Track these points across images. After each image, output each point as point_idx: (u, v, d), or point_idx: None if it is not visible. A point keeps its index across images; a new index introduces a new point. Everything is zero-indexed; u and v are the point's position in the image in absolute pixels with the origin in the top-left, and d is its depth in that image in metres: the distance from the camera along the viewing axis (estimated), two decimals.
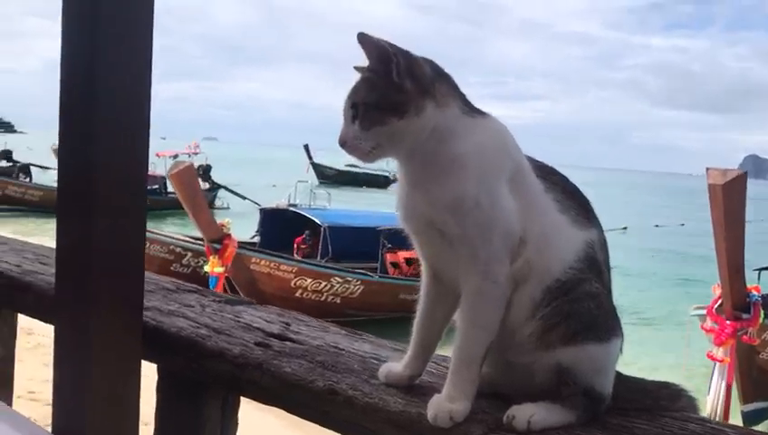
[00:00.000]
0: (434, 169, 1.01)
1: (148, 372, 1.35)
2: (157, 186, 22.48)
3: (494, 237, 1.00)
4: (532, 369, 1.03)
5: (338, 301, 12.62)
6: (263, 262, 12.28)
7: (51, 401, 1.29)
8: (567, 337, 1.00)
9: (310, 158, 36.04)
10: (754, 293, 6.59)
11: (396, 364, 1.14)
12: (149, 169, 1.43)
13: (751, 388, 7.55)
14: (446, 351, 1.14)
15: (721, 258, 6.16)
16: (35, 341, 6.87)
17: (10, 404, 1.80)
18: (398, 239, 13.25)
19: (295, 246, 14.77)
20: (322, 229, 14.19)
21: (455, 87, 1.06)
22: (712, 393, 6.55)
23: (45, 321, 1.61)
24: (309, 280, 12.47)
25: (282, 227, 15.03)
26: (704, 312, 7.13)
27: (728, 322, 6.48)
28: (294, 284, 12.38)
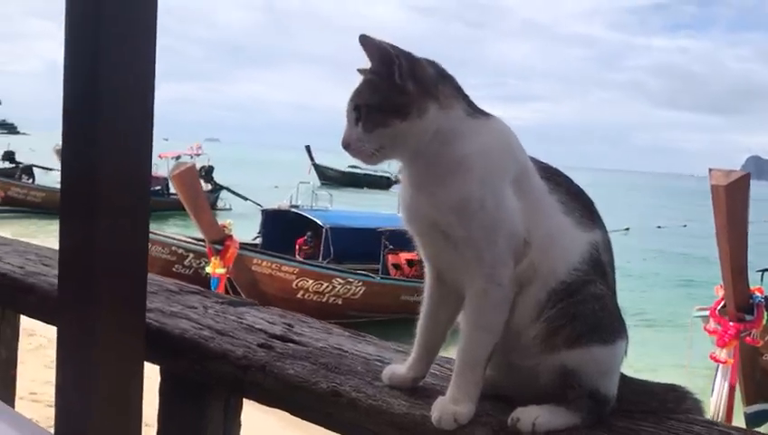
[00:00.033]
0: (438, 170, 1.01)
1: (151, 374, 1.34)
2: (159, 187, 22.51)
3: (498, 239, 1.00)
4: (537, 371, 1.02)
5: (339, 302, 12.62)
6: (264, 263, 12.29)
7: (52, 403, 1.28)
8: (572, 339, 1.00)
9: (312, 159, 36.06)
10: (757, 294, 6.58)
11: (399, 366, 1.14)
12: (152, 170, 1.43)
13: (754, 389, 7.53)
14: (449, 353, 1.14)
15: (724, 259, 6.15)
16: (37, 342, 6.88)
17: (12, 406, 1.80)
18: (399, 241, 13.33)
19: (297, 247, 14.78)
20: (324, 230, 14.20)
21: (458, 88, 1.05)
22: (715, 395, 6.54)
23: (48, 322, 1.60)
24: (310, 281, 12.48)
25: (283, 229, 15.04)
26: (706, 313, 7.12)
27: (731, 323, 6.47)
28: (296, 285, 12.39)
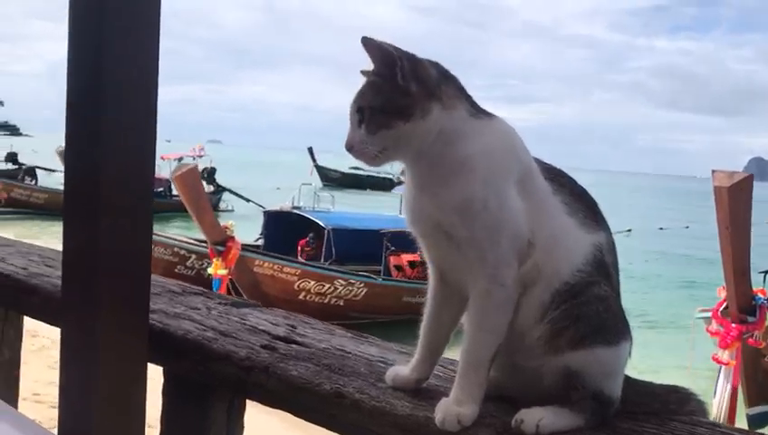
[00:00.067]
0: (441, 171, 1.01)
1: (154, 375, 1.34)
2: (161, 188, 22.53)
3: (502, 240, 1.00)
4: (541, 372, 1.02)
5: (341, 303, 12.62)
6: (266, 264, 12.29)
7: (55, 404, 1.29)
8: (576, 341, 1.00)
9: (314, 160, 36.08)
10: (760, 296, 6.56)
11: (403, 368, 1.14)
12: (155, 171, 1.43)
13: (756, 391, 7.52)
14: (453, 354, 1.13)
15: (726, 261, 6.14)
16: (40, 343, 6.89)
17: (16, 407, 1.80)
18: (401, 242, 13.32)
19: (299, 248, 14.78)
20: (326, 232, 14.20)
21: (461, 89, 1.05)
22: (717, 396, 6.52)
23: (51, 323, 1.61)
24: (312, 282, 12.48)
25: (286, 230, 15.05)
26: (709, 314, 7.10)
27: (733, 325, 6.46)
28: (298, 286, 12.38)
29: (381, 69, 1.02)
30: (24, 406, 2.02)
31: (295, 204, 16.55)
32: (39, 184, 25.30)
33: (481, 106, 1.06)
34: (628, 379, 1.08)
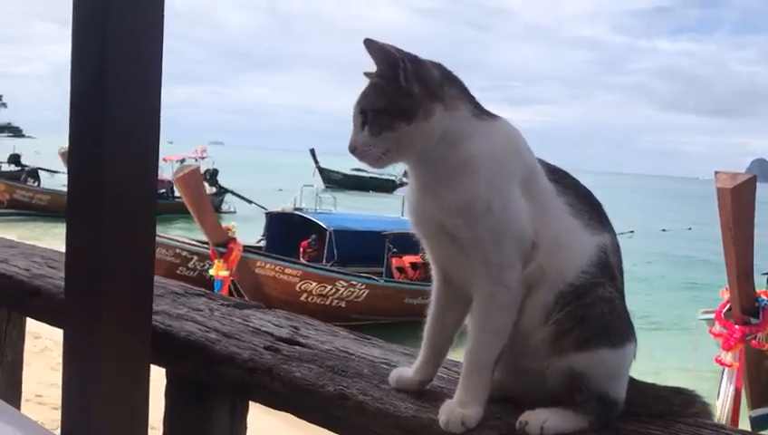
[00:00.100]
0: (444, 172, 1.01)
1: (157, 377, 1.34)
2: (164, 190, 22.56)
3: (505, 242, 0.99)
4: (545, 374, 1.02)
5: (343, 305, 12.61)
6: (268, 265, 12.29)
7: (57, 405, 1.28)
8: (580, 342, 0.99)
9: (316, 162, 36.12)
10: (763, 297, 6.55)
11: (406, 369, 1.13)
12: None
13: (759, 393, 7.49)
14: (457, 355, 1.13)
15: (729, 262, 6.13)
16: (42, 345, 6.90)
17: (18, 408, 1.80)
18: (403, 244, 13.31)
19: (301, 249, 14.78)
20: (328, 233, 14.20)
21: (464, 90, 1.05)
22: (721, 398, 6.51)
23: (54, 325, 1.60)
24: (314, 284, 12.47)
25: (288, 231, 15.05)
26: (712, 316, 7.09)
27: (737, 326, 6.44)
28: (299, 287, 12.38)
29: (384, 70, 1.01)
30: (26, 407, 2.02)
31: (297, 205, 16.55)
32: (42, 186, 25.34)
33: (484, 107, 1.06)
34: (632, 380, 1.08)
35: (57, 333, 1.36)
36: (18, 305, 1.79)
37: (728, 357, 6.58)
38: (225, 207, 25.97)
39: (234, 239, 10.02)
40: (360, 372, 1.18)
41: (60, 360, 1.28)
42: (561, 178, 1.07)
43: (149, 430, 1.30)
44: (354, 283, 12.69)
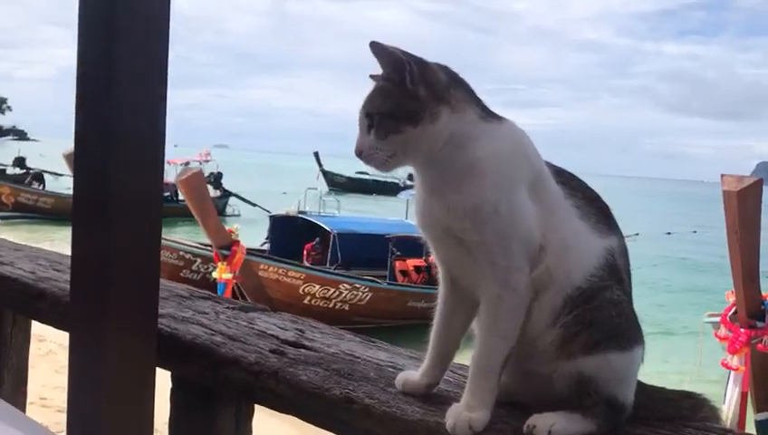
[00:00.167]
0: (451, 175, 1.00)
1: (162, 380, 1.34)
2: (168, 193, 22.60)
3: (513, 245, 0.99)
4: (553, 378, 1.01)
5: (346, 308, 12.60)
6: (271, 268, 12.29)
7: (62, 408, 1.28)
8: (588, 346, 0.99)
9: (320, 165, 36.17)
10: None
11: (413, 372, 1.13)
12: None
13: (765, 396, 7.45)
14: (463, 359, 1.13)
15: (735, 265, 6.10)
16: (47, 348, 6.91)
17: (24, 411, 1.80)
18: (407, 247, 13.29)
19: (305, 252, 14.78)
20: (331, 236, 14.20)
21: (470, 92, 1.05)
22: (727, 402, 6.48)
23: (59, 328, 1.60)
24: (317, 287, 12.47)
25: (291, 234, 15.06)
26: (717, 319, 7.06)
27: (742, 330, 6.41)
28: (303, 290, 12.38)
29: (390, 73, 1.01)
30: (31, 410, 2.02)
31: (301, 208, 16.56)
32: (46, 189, 25.41)
33: (491, 109, 1.05)
34: (640, 384, 1.07)
35: (62, 336, 1.36)
36: (23, 308, 1.79)
37: (734, 360, 6.55)
38: (229, 210, 26.01)
39: (237, 242, 10.02)
40: (366, 375, 1.18)
41: (65, 363, 1.28)
42: (568, 181, 1.06)
43: (155, 433, 1.30)
44: (357, 286, 12.68)
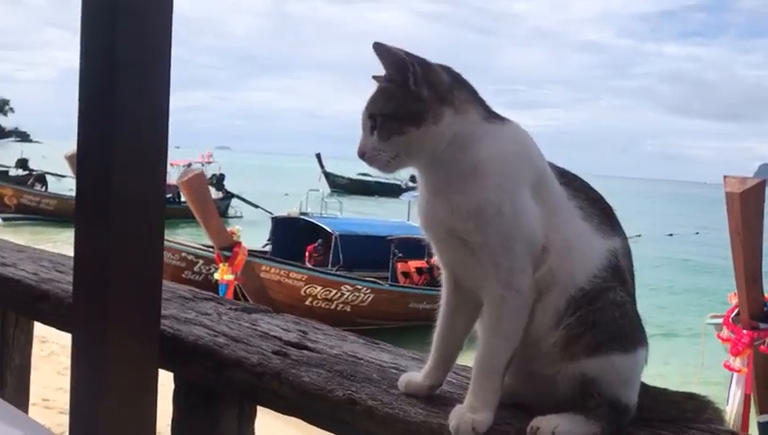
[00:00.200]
0: (455, 176, 1.00)
1: (164, 381, 1.34)
2: (170, 195, 22.63)
3: (516, 246, 0.99)
4: (556, 379, 1.01)
5: (348, 309, 12.60)
6: (273, 270, 12.29)
7: (64, 409, 1.28)
8: (592, 347, 0.98)
9: (322, 167, 36.20)
10: None
11: (416, 374, 1.13)
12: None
13: (767, 398, 7.43)
14: (466, 360, 1.12)
15: (738, 267, 6.09)
16: (49, 349, 6.91)
17: (26, 412, 1.80)
18: (408, 248, 13.27)
19: (307, 254, 14.79)
20: (333, 237, 14.21)
21: (474, 93, 1.05)
22: (730, 403, 6.46)
23: (62, 329, 1.61)
24: (319, 288, 12.47)
25: (293, 236, 15.07)
26: (719, 321, 7.04)
27: (745, 331, 6.40)
28: (304, 292, 12.38)
29: (393, 74, 1.01)
30: (33, 411, 2.02)
31: (303, 210, 16.57)
32: (49, 190, 25.44)
33: (494, 110, 1.05)
34: (644, 386, 1.07)
35: (64, 338, 1.36)
36: (26, 309, 1.79)
37: (736, 362, 6.54)
38: (231, 211, 26.04)
39: (239, 243, 10.02)
40: (368, 376, 1.17)
41: (67, 364, 1.28)
42: (571, 182, 1.06)
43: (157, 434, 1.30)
44: (359, 287, 12.68)
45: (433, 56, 1.03)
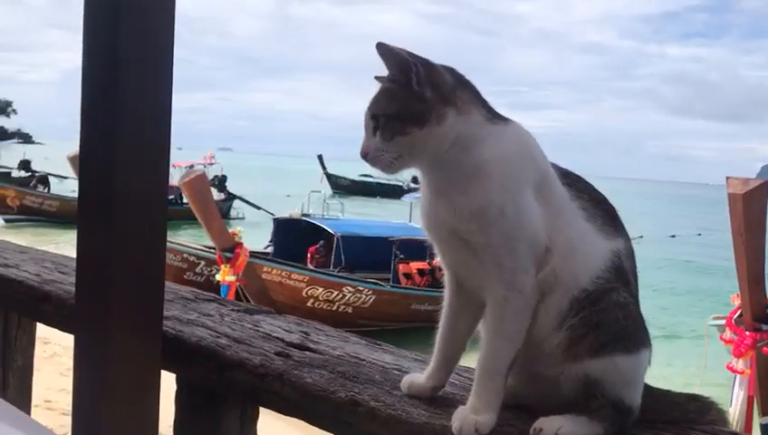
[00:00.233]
0: (457, 177, 1.00)
1: (167, 383, 1.34)
2: (172, 196, 22.64)
3: (519, 246, 0.98)
4: (559, 380, 1.00)
5: (349, 310, 12.60)
6: (274, 271, 12.30)
7: (67, 411, 1.28)
8: (595, 348, 0.98)
9: (324, 168, 36.23)
10: None
11: (418, 375, 1.12)
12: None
13: None
14: (469, 361, 1.12)
15: (740, 268, 6.08)
16: (52, 350, 6.92)
17: (29, 413, 1.80)
18: (410, 250, 13.26)
19: (309, 255, 14.80)
20: (335, 239, 14.22)
21: (476, 94, 1.04)
22: (733, 405, 6.45)
23: (64, 330, 1.60)
24: (320, 289, 12.47)
25: (295, 237, 15.08)
26: (722, 322, 7.03)
27: (747, 333, 6.38)
28: (306, 293, 12.38)
29: (396, 75, 1.01)
30: (35, 413, 2.02)
31: (305, 211, 16.58)
32: (51, 191, 25.47)
33: (497, 111, 1.05)
34: (647, 387, 1.06)
35: (66, 339, 1.36)
36: (28, 311, 1.79)
37: (739, 364, 6.53)
38: (233, 213, 26.05)
39: (240, 244, 10.03)
40: (371, 377, 1.17)
41: (69, 365, 1.28)
42: (574, 182, 1.06)
43: None
44: (361, 288, 12.68)
45: (435, 58, 1.03)
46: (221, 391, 1.33)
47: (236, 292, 10.20)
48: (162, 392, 1.30)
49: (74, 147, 1.26)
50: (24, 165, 27.59)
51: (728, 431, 1.10)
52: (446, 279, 1.10)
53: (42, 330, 1.89)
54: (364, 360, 1.27)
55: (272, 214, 19.13)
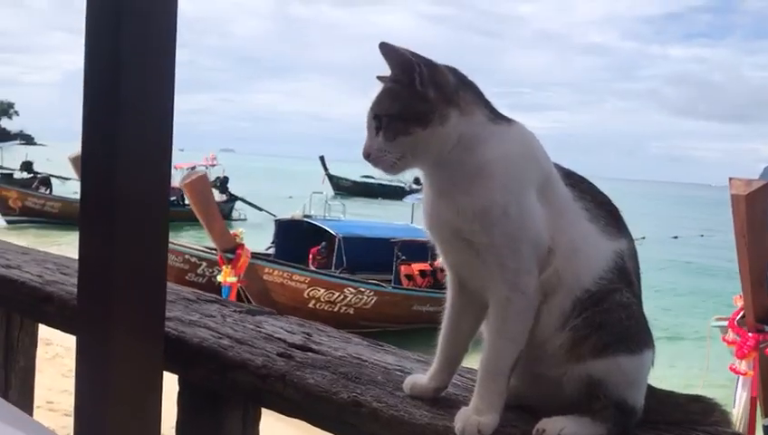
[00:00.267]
0: (460, 177, 1.00)
1: (169, 384, 1.34)
2: (174, 197, 22.67)
3: (522, 247, 0.98)
4: (562, 381, 1.00)
5: (351, 312, 12.60)
6: (276, 272, 12.30)
7: (69, 412, 1.28)
8: (598, 349, 0.98)
9: (325, 169, 36.26)
10: None
11: (421, 376, 1.12)
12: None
13: None
14: (472, 362, 1.12)
15: (743, 269, 6.07)
16: (53, 351, 6.93)
17: (31, 414, 1.80)
18: (412, 251, 13.26)
19: (311, 256, 14.80)
20: (337, 240, 14.22)
21: (479, 95, 1.04)
22: (736, 406, 6.44)
23: (66, 331, 1.60)
24: (322, 290, 12.47)
25: (297, 238, 15.09)
26: (725, 323, 7.02)
27: (750, 334, 6.37)
28: (307, 294, 12.38)
29: (399, 75, 1.01)
30: (37, 414, 2.02)
31: (307, 212, 16.58)
32: (53, 193, 25.50)
33: (500, 112, 1.05)
34: (650, 388, 1.06)
35: (68, 340, 1.36)
36: (30, 312, 1.79)
37: (742, 365, 6.51)
38: (235, 214, 26.06)
39: (242, 245, 10.03)
40: (373, 378, 1.17)
41: (71, 366, 1.28)
42: (577, 183, 1.06)
43: None
44: (362, 290, 12.68)
45: (438, 59, 1.03)
46: (223, 392, 1.33)
47: (238, 293, 10.20)
48: (164, 393, 1.30)
49: (76, 148, 1.26)
50: (27, 166, 27.62)
51: (731, 433, 1.09)
52: (449, 280, 1.10)
53: (44, 331, 1.89)
54: (366, 361, 1.26)
55: (273, 215, 19.14)
